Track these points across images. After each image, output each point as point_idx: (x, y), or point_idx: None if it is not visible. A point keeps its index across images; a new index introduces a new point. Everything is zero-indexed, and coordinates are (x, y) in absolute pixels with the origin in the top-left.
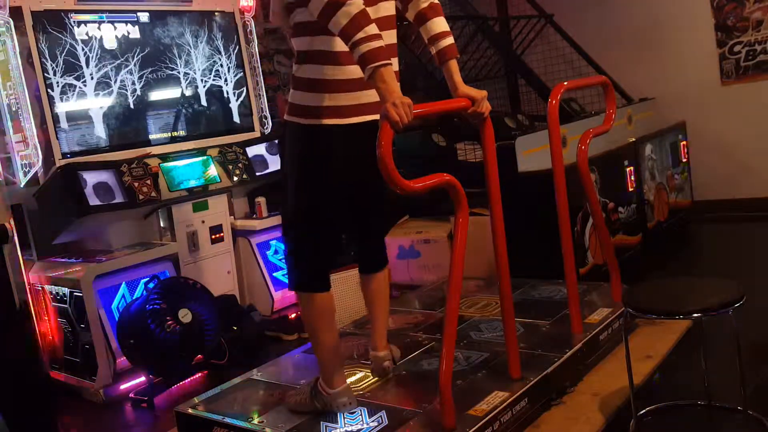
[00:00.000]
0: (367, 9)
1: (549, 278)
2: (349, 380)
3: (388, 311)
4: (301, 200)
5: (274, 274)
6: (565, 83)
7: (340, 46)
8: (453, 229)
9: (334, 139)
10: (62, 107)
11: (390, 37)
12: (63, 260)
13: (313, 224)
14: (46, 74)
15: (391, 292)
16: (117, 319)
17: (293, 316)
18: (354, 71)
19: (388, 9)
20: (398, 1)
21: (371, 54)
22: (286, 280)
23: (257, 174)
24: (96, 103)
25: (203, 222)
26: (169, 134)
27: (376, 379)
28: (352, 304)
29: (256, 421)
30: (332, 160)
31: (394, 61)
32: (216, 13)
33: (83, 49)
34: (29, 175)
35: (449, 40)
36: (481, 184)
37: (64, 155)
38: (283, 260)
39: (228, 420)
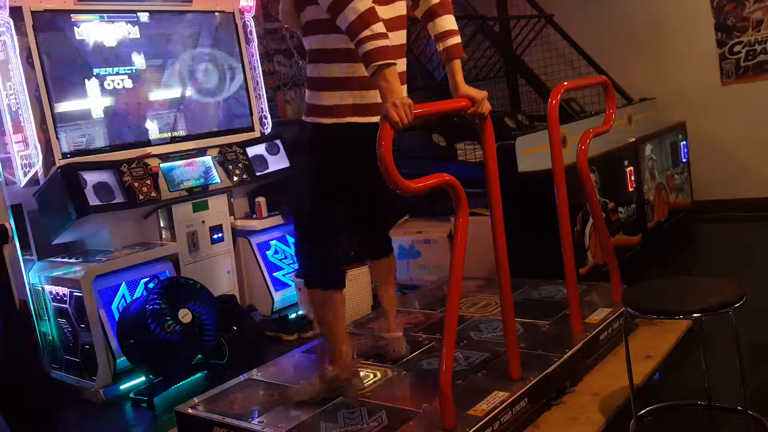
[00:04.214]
0: (382, 8)
1: (549, 278)
2: None
3: (396, 294)
4: (318, 199)
5: (274, 274)
6: (565, 83)
7: (351, 42)
8: (453, 229)
9: (352, 137)
10: (62, 107)
11: (400, 37)
12: (63, 260)
13: (328, 223)
14: (45, 74)
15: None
16: (117, 319)
17: (293, 316)
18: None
19: (400, 8)
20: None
21: (376, 52)
22: (289, 280)
23: (257, 174)
24: (96, 103)
25: (203, 222)
26: (169, 134)
27: (377, 379)
28: (352, 304)
29: (256, 421)
30: (350, 158)
31: (402, 61)
32: (216, 13)
33: (83, 49)
34: (29, 175)
35: (455, 39)
36: (481, 184)
37: (64, 155)
38: (285, 260)
39: (228, 420)
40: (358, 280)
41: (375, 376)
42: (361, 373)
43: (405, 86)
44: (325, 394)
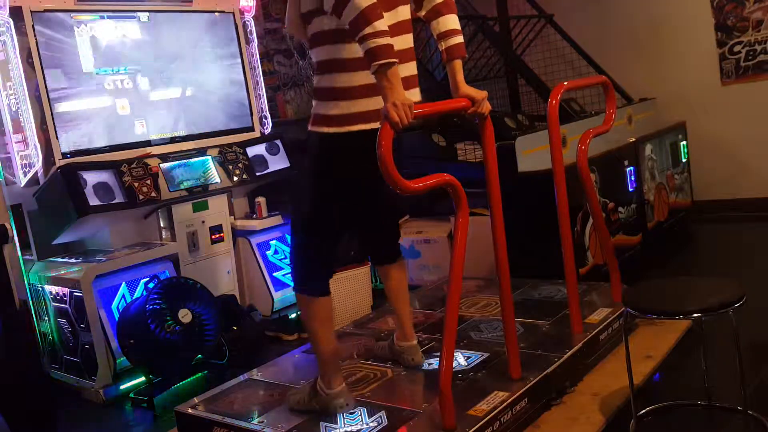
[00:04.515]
0: (386, 13)
1: (549, 278)
2: (349, 380)
3: (409, 301)
4: (320, 207)
5: (274, 274)
6: (565, 83)
7: (357, 53)
8: (453, 229)
9: (355, 142)
10: (62, 107)
11: (406, 41)
12: (63, 260)
13: (326, 231)
14: (45, 74)
15: None
16: (117, 319)
17: (293, 316)
18: (371, 77)
19: (404, 13)
20: (412, 2)
21: (378, 50)
22: (289, 280)
23: (257, 174)
24: (96, 103)
25: (203, 222)
26: (169, 134)
27: (377, 379)
28: (352, 304)
29: (256, 421)
30: (351, 160)
31: (412, 65)
32: (216, 13)
33: (83, 49)
34: (29, 175)
35: (457, 39)
36: (481, 184)
37: (64, 155)
38: (285, 260)
39: (228, 420)
40: (358, 280)
41: (375, 376)
42: (361, 373)
43: (417, 89)
44: (312, 407)
